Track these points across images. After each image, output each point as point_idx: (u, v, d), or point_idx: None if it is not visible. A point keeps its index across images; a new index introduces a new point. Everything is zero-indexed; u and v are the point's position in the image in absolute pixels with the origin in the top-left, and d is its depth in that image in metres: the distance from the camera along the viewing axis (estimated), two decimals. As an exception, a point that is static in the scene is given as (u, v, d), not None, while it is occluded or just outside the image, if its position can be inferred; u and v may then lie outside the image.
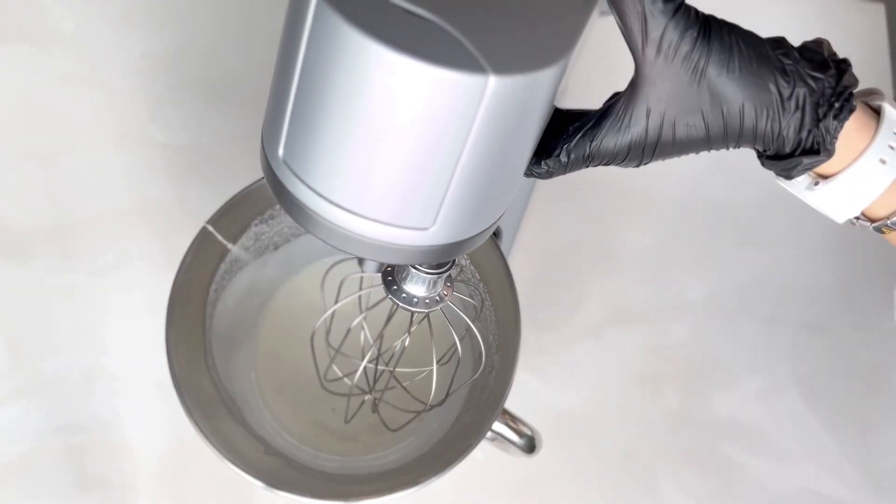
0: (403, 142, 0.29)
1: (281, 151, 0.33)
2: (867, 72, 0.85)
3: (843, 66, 0.34)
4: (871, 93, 0.37)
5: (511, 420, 0.55)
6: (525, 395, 0.69)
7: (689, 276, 0.75)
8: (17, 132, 0.75)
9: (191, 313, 0.57)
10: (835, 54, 0.35)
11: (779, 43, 0.34)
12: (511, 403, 0.55)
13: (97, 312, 0.69)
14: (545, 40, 0.29)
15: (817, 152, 0.34)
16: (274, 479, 0.52)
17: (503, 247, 0.64)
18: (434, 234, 0.33)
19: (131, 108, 0.76)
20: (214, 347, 0.59)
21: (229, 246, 0.59)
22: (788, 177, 0.36)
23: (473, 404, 0.59)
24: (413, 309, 0.46)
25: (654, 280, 0.75)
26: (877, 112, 0.36)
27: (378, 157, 0.30)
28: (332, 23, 0.27)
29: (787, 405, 0.71)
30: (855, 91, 0.35)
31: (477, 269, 0.62)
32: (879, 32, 0.86)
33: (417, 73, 0.27)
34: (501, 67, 0.28)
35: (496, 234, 0.60)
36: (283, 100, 0.32)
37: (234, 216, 0.58)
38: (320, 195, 0.32)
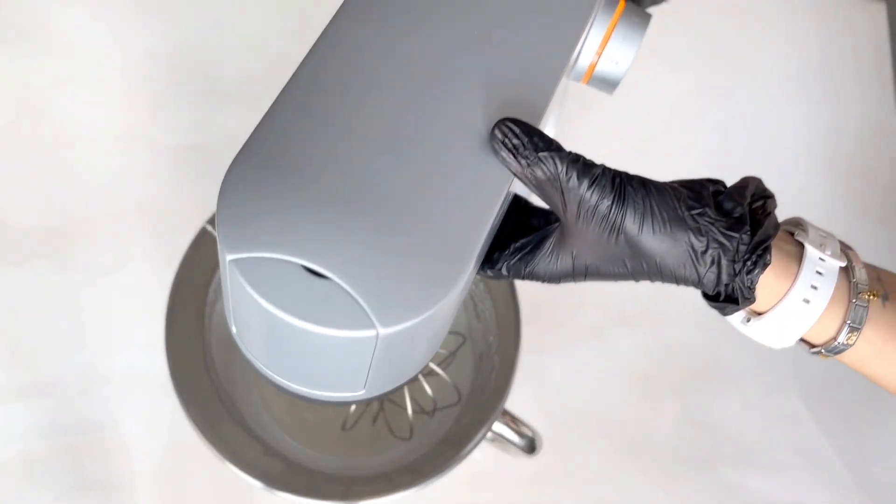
0: (319, 361, 0.33)
1: (233, 329, 0.36)
2: (868, 72, 0.85)
3: (761, 213, 0.35)
4: (797, 223, 0.38)
5: (511, 420, 0.55)
6: (525, 395, 0.69)
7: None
8: (16, 132, 0.75)
9: (190, 313, 0.57)
10: (764, 192, 0.36)
11: (698, 197, 0.34)
12: (511, 404, 0.55)
13: (97, 312, 0.69)
14: (436, 276, 0.31)
15: (738, 301, 0.35)
16: (274, 480, 0.52)
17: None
18: (367, 393, 0.36)
19: (131, 108, 0.76)
20: (214, 347, 0.59)
21: (229, 246, 0.59)
22: (723, 314, 0.37)
23: (473, 404, 0.59)
24: None
25: (655, 280, 0.75)
26: (802, 245, 0.36)
27: (301, 364, 0.34)
28: (242, 287, 0.30)
29: (788, 407, 0.71)
30: (779, 225, 0.35)
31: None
32: (880, 32, 0.86)
33: (316, 332, 0.30)
34: (389, 321, 0.30)
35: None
36: (227, 299, 0.35)
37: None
38: (267, 370, 0.36)
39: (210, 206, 0.58)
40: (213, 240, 0.58)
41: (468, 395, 0.62)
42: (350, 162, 0.32)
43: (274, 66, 0.78)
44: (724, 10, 0.85)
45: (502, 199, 0.33)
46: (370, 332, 0.30)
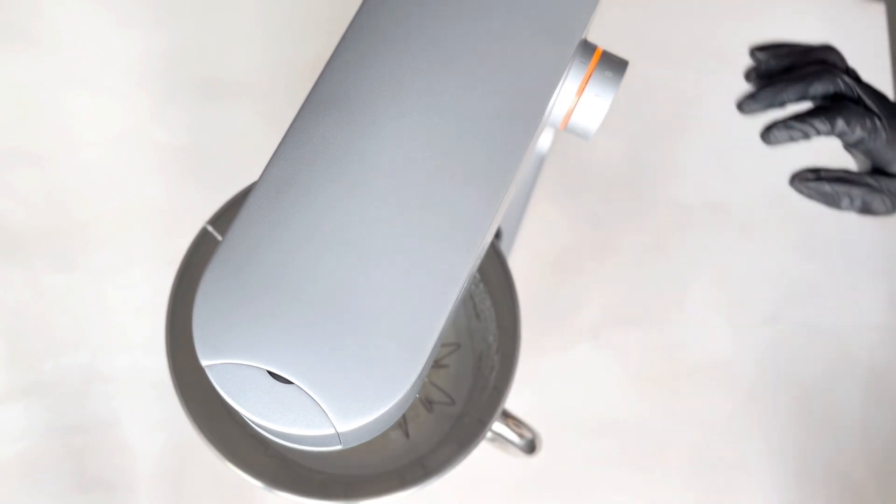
0: (294, 439, 0.37)
1: None
2: (867, 72, 0.85)
3: None
4: None
5: (511, 421, 0.55)
6: (525, 395, 0.69)
7: (689, 276, 0.75)
8: (17, 132, 0.75)
9: (191, 313, 0.57)
10: None
11: None
12: (511, 404, 0.55)
13: (97, 312, 0.69)
14: (392, 374, 0.35)
15: None
16: (274, 480, 0.52)
17: (503, 247, 0.64)
18: (345, 446, 0.38)
19: (131, 108, 0.76)
20: (214, 347, 0.59)
21: (229, 246, 0.59)
22: None
23: (473, 404, 0.59)
24: None
25: (654, 280, 0.75)
26: None
27: (282, 436, 0.37)
28: (216, 389, 0.35)
29: (786, 405, 0.71)
30: None
31: (477, 269, 0.61)
32: (880, 32, 0.86)
33: (281, 431, 0.35)
34: (348, 420, 0.34)
35: (496, 235, 0.60)
36: None
37: (234, 216, 0.58)
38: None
39: (210, 206, 0.58)
40: (214, 240, 0.58)
41: (468, 394, 0.62)
42: (313, 268, 0.36)
43: (273, 66, 0.78)
44: (725, 10, 0.85)
45: (457, 295, 0.36)
46: (330, 430, 0.34)
